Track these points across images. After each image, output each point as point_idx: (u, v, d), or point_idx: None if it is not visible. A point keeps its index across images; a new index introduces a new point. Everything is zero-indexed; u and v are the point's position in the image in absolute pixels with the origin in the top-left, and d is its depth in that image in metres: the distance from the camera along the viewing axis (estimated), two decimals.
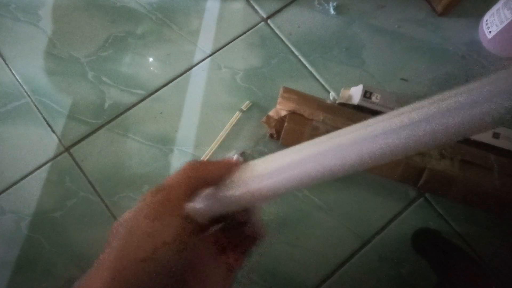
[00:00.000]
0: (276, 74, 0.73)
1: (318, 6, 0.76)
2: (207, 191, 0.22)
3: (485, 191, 0.60)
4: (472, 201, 0.62)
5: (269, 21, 0.75)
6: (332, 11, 0.75)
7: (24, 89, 0.72)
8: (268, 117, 0.65)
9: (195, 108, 0.72)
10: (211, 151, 0.69)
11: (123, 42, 0.74)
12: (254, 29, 0.75)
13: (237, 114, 0.70)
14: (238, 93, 0.72)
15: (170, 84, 0.73)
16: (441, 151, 0.63)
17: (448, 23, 0.75)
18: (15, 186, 0.69)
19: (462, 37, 0.74)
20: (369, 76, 0.72)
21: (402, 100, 0.63)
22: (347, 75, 0.73)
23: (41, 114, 0.71)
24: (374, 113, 0.64)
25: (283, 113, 0.64)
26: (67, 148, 0.70)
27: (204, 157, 0.68)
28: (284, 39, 0.74)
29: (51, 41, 0.74)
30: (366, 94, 0.63)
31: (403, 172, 0.62)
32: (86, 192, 0.68)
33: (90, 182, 0.69)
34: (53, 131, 0.70)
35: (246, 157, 0.69)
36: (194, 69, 0.73)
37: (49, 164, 0.69)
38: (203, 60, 0.74)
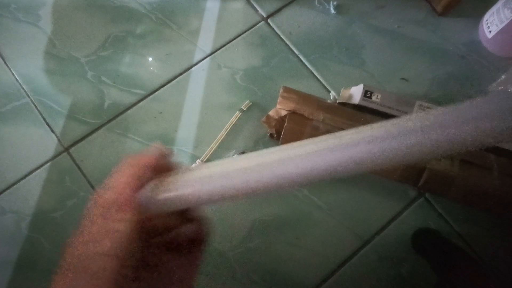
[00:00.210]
0: (276, 73, 0.73)
1: (318, 5, 0.76)
2: (147, 191, 0.22)
3: (485, 191, 0.60)
4: (472, 201, 0.62)
5: (269, 20, 0.75)
6: (332, 11, 0.75)
7: (23, 89, 0.72)
8: (268, 117, 0.65)
9: (195, 108, 0.72)
10: (211, 151, 0.69)
11: (123, 42, 0.74)
12: (254, 28, 0.75)
13: (237, 114, 0.70)
14: (238, 93, 0.72)
15: (170, 84, 0.73)
16: None
17: (448, 23, 0.74)
18: (15, 186, 0.68)
19: (462, 37, 0.74)
20: (369, 75, 0.72)
21: (402, 100, 0.63)
22: (347, 75, 0.72)
23: (41, 114, 0.71)
24: (375, 112, 0.64)
25: (283, 113, 0.64)
26: (66, 148, 0.70)
27: (204, 157, 0.68)
28: (284, 38, 0.74)
29: (51, 41, 0.74)
30: (367, 94, 0.63)
31: (403, 172, 0.62)
32: (86, 192, 0.68)
33: (89, 182, 0.69)
34: (53, 131, 0.70)
35: None
36: (194, 68, 0.73)
37: (48, 164, 0.69)
38: (203, 59, 0.74)
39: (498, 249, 0.66)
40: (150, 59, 0.74)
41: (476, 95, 0.71)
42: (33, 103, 0.71)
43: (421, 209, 0.67)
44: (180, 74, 0.73)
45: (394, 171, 0.62)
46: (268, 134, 0.68)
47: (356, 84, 0.67)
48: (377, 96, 0.63)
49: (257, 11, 0.76)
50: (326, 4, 0.76)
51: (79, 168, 0.69)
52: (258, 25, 0.75)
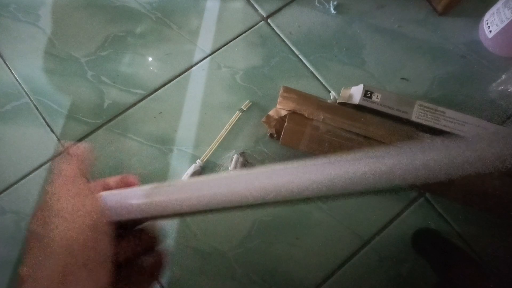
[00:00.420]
0: (276, 73, 0.73)
1: (319, 5, 0.76)
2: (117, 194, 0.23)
3: (485, 191, 0.60)
4: (472, 201, 0.62)
5: (269, 20, 0.75)
6: (332, 11, 0.75)
7: (23, 89, 0.72)
8: (268, 117, 0.65)
9: (194, 108, 0.71)
10: (211, 151, 0.69)
11: (123, 41, 0.74)
12: (254, 28, 0.75)
13: (237, 114, 0.70)
14: (238, 93, 0.72)
15: (170, 84, 0.73)
16: None
17: (448, 23, 0.74)
18: (15, 186, 0.68)
19: (462, 36, 0.74)
20: (370, 75, 0.72)
21: (402, 100, 0.63)
22: (347, 75, 0.72)
23: (41, 114, 0.71)
24: (375, 112, 0.64)
25: (283, 112, 0.64)
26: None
27: (204, 157, 0.68)
28: (284, 38, 0.74)
29: (51, 41, 0.74)
30: (367, 94, 0.63)
31: None
32: None
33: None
34: (53, 131, 0.70)
35: (246, 157, 0.69)
36: (193, 68, 0.73)
37: (48, 164, 0.69)
38: (203, 59, 0.74)
39: (498, 249, 0.66)
40: (150, 59, 0.74)
41: (476, 95, 0.71)
42: (32, 103, 0.71)
43: (421, 209, 0.67)
44: (180, 74, 0.73)
45: None
46: (268, 134, 0.68)
47: (356, 84, 0.66)
48: (377, 96, 0.63)
49: (257, 11, 0.76)
50: (326, 4, 0.76)
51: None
52: (258, 25, 0.75)
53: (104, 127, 0.71)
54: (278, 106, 0.65)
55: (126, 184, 0.26)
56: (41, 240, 0.19)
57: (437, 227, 0.67)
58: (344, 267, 0.66)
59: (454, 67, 0.72)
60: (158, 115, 0.71)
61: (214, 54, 0.74)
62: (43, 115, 0.71)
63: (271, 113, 0.65)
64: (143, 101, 0.72)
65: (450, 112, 0.63)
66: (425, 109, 0.63)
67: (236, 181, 0.21)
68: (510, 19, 0.64)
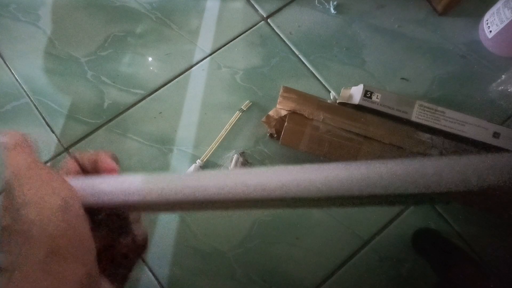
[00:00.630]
0: (276, 73, 0.73)
1: (319, 5, 0.76)
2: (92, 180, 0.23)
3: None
4: (472, 201, 0.62)
5: (269, 20, 0.75)
6: (332, 11, 0.75)
7: (23, 89, 0.72)
8: (268, 117, 0.65)
9: (194, 108, 0.71)
10: (211, 151, 0.69)
11: (123, 41, 0.74)
12: (254, 28, 0.75)
13: (237, 114, 0.70)
14: (238, 93, 0.72)
15: (170, 84, 0.73)
16: (441, 151, 0.62)
17: (448, 23, 0.74)
18: None
19: (463, 36, 0.74)
20: (370, 75, 0.72)
21: (402, 100, 0.63)
22: (347, 75, 0.72)
23: (41, 114, 0.71)
24: (375, 112, 0.64)
25: (283, 112, 0.64)
26: (66, 148, 0.70)
27: (204, 157, 0.68)
28: (284, 38, 0.74)
29: (51, 41, 0.74)
30: (367, 94, 0.63)
31: None
32: None
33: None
34: (53, 131, 0.70)
35: (246, 157, 0.69)
36: (193, 68, 0.73)
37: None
38: (203, 59, 0.74)
39: (498, 249, 0.66)
40: (150, 59, 0.74)
41: (476, 95, 0.71)
42: (32, 103, 0.71)
43: (421, 209, 0.67)
44: (180, 74, 0.73)
45: None
46: (268, 134, 0.68)
47: (356, 84, 0.66)
48: (377, 96, 0.63)
49: (257, 11, 0.76)
50: (326, 3, 0.76)
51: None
52: (258, 25, 0.75)
53: (104, 127, 0.71)
54: (278, 106, 0.65)
55: (103, 168, 0.25)
56: (15, 232, 0.18)
57: (437, 227, 0.67)
58: (344, 267, 0.66)
59: (454, 67, 0.72)
60: (158, 115, 0.71)
61: (214, 54, 0.74)
62: (43, 115, 0.71)
63: (271, 113, 0.65)
64: (143, 101, 0.72)
65: (450, 112, 0.63)
66: (425, 109, 0.63)
67: (226, 177, 0.21)
68: (510, 19, 0.64)
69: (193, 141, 0.70)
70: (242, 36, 0.75)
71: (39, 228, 0.18)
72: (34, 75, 0.72)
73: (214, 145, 0.69)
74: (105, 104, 0.71)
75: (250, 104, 0.71)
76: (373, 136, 0.62)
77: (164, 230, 0.67)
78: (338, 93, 0.71)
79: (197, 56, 0.74)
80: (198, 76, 0.73)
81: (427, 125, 0.63)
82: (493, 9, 0.69)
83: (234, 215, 0.67)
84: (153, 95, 0.72)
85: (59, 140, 0.70)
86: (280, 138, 0.64)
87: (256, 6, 0.76)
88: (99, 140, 0.70)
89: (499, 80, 0.72)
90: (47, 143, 0.70)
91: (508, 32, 0.66)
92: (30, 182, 0.20)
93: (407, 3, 0.75)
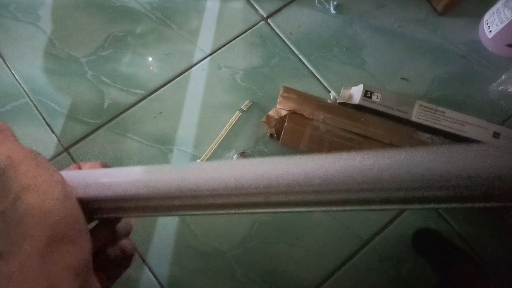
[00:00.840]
0: (276, 73, 0.73)
1: (319, 5, 0.76)
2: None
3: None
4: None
5: (269, 20, 0.75)
6: (332, 11, 0.75)
7: (23, 89, 0.72)
8: (268, 117, 0.65)
9: (194, 108, 0.71)
10: (211, 151, 0.69)
11: (123, 41, 0.74)
12: (254, 28, 0.75)
13: (237, 114, 0.70)
14: (238, 93, 0.72)
15: (170, 84, 0.72)
16: None
17: (449, 23, 0.74)
18: None
19: (463, 36, 0.74)
20: (370, 75, 0.72)
21: (402, 100, 0.63)
22: (347, 75, 0.72)
23: (41, 114, 0.71)
24: (375, 112, 0.64)
25: (283, 112, 0.64)
26: (66, 148, 0.70)
27: (204, 157, 0.68)
28: (284, 38, 0.74)
29: (51, 41, 0.74)
30: (367, 94, 0.63)
31: None
32: None
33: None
34: (53, 131, 0.70)
35: (246, 157, 0.69)
36: (193, 68, 0.73)
37: None
38: (203, 59, 0.74)
39: (498, 249, 0.66)
40: (150, 59, 0.74)
41: (476, 95, 0.71)
42: (32, 103, 0.71)
43: (421, 209, 0.67)
44: (180, 74, 0.73)
45: None
46: (268, 134, 0.68)
47: (356, 84, 0.66)
48: (377, 96, 0.63)
49: (257, 11, 0.76)
50: (326, 3, 0.76)
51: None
52: (258, 25, 0.75)
53: (104, 127, 0.71)
54: (278, 106, 0.65)
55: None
56: (12, 218, 0.17)
57: (437, 227, 0.67)
58: (344, 267, 0.66)
59: (454, 67, 0.72)
60: (158, 115, 0.71)
61: (214, 54, 0.74)
62: (43, 115, 0.71)
63: (271, 113, 0.65)
64: (143, 101, 0.72)
65: (450, 112, 0.63)
66: (425, 109, 0.63)
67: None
68: (510, 19, 0.64)
69: (193, 141, 0.70)
70: (242, 36, 0.75)
71: (39, 214, 0.17)
72: (34, 75, 0.72)
73: (214, 145, 0.69)
74: (105, 104, 0.71)
75: (250, 104, 0.71)
76: (373, 136, 0.62)
77: (164, 230, 0.67)
78: (338, 93, 0.71)
79: (197, 56, 0.74)
80: (198, 76, 0.73)
81: (427, 125, 0.63)
82: (493, 9, 0.69)
83: (234, 214, 0.67)
84: (153, 95, 0.72)
85: (59, 140, 0.70)
86: (280, 138, 0.64)
87: (256, 6, 0.76)
88: (99, 140, 0.70)
89: (499, 80, 0.72)
90: (47, 143, 0.70)
91: (508, 32, 0.66)
92: (29, 168, 0.18)
93: (407, 3, 0.75)
